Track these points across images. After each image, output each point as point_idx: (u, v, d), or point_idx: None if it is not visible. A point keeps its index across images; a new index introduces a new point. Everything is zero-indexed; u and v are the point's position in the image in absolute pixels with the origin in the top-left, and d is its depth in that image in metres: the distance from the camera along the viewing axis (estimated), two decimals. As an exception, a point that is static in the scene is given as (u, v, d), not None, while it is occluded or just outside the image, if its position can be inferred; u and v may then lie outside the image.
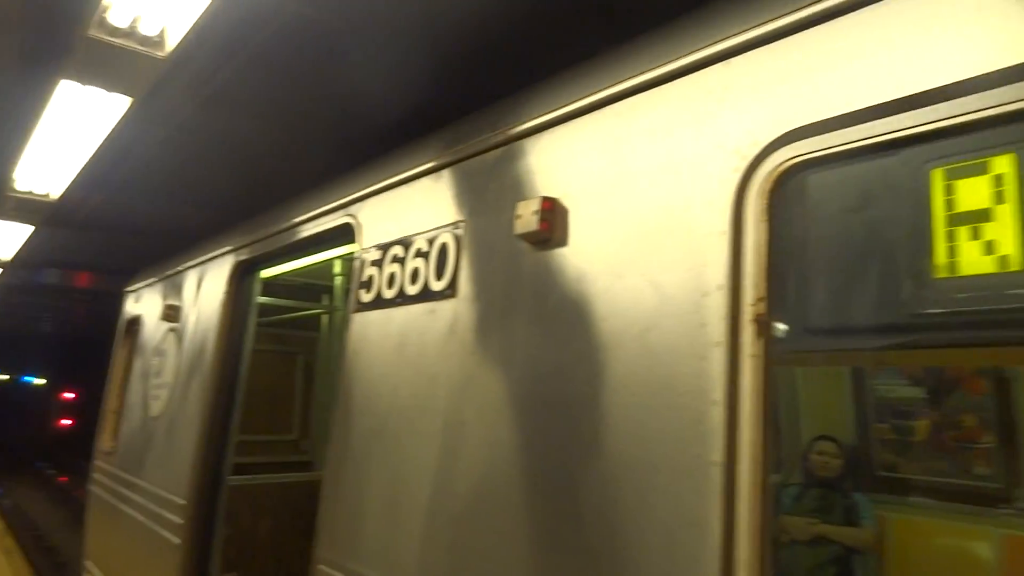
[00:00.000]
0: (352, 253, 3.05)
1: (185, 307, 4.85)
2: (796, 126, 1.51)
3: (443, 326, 2.37)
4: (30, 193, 4.86)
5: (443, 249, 2.45)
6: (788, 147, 1.52)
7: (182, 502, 4.06)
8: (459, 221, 2.42)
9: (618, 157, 1.92)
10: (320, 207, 3.39)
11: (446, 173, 2.55)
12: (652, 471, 1.61)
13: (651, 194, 1.78)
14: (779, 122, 1.54)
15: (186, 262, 5.00)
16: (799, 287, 2.03)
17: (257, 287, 4.30)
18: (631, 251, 1.79)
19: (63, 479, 22.07)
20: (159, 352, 5.10)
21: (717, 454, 1.48)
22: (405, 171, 2.79)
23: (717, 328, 1.53)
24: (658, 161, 1.79)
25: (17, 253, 7.34)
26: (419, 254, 2.57)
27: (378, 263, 2.79)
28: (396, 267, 2.68)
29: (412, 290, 2.56)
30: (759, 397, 1.45)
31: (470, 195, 2.41)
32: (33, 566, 10.97)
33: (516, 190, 2.20)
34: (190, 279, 4.87)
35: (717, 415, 1.50)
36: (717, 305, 1.55)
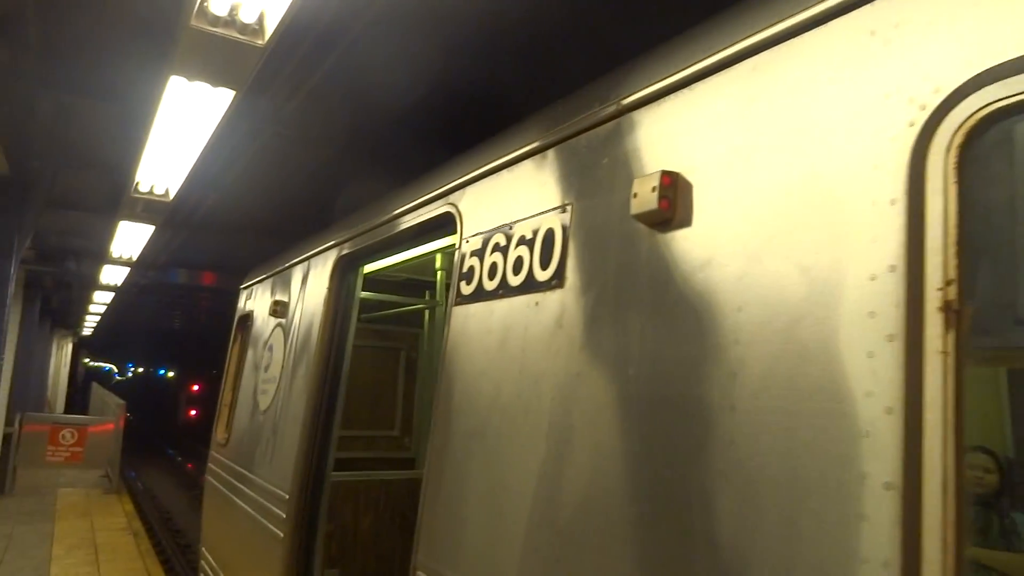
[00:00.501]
0: (452, 244, 2.91)
1: (291, 303, 4.91)
2: (993, 64, 1.20)
3: (549, 319, 2.16)
4: (150, 193, 5.07)
5: (548, 236, 2.25)
6: (983, 91, 1.21)
7: (286, 496, 4.07)
8: (566, 204, 2.21)
9: (752, 121, 1.64)
10: (419, 197, 3.28)
11: (551, 154, 2.35)
12: (801, 492, 1.34)
13: (796, 162, 1.50)
14: (970, 61, 1.23)
15: (292, 259, 5.07)
16: (1002, 266, 1.67)
17: (359, 282, 4.27)
18: (771, 229, 1.52)
19: (190, 465, 23.63)
20: (268, 347, 5.20)
21: (891, 474, 1.19)
22: (506, 155, 2.61)
23: (890, 318, 1.24)
24: (805, 122, 1.51)
25: (142, 253, 7.79)
26: (522, 242, 2.38)
27: (479, 253, 2.63)
28: (498, 257, 2.50)
29: (515, 281, 2.37)
30: (949, 404, 1.15)
31: (578, 175, 2.19)
32: (158, 549, 11.72)
33: (631, 167, 1.96)
34: (296, 275, 4.93)
35: (891, 426, 1.21)
36: (889, 290, 1.26)
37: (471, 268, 2.66)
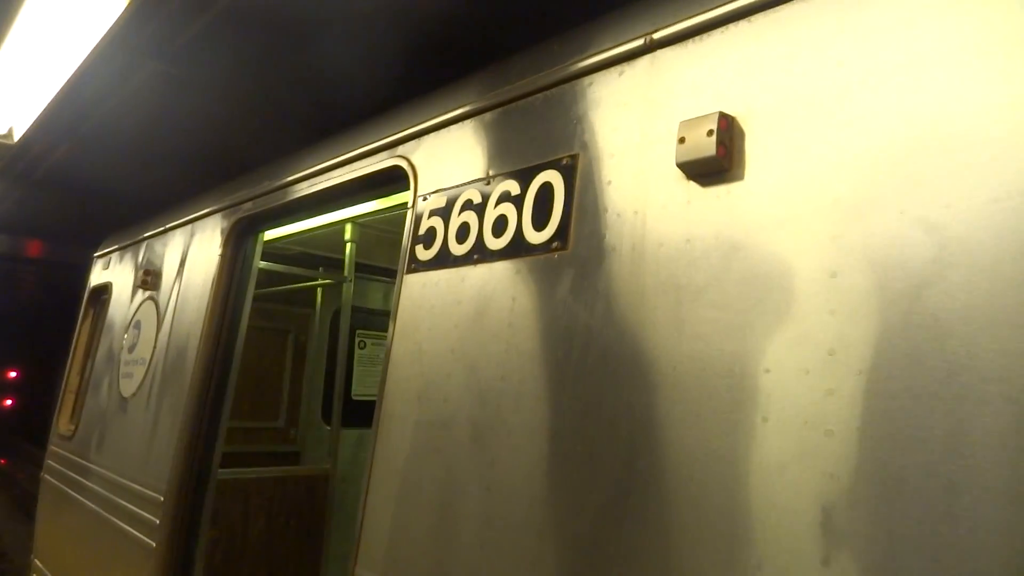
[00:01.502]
0: (399, 205, 2.49)
1: (167, 273, 4.20)
2: None
3: (548, 289, 1.83)
4: (-12, 130, 4.13)
5: (546, 191, 1.91)
6: None
7: (160, 498, 3.43)
8: (569, 155, 1.88)
9: (845, 53, 1.40)
10: (353, 149, 2.81)
11: (548, 97, 2.01)
12: (940, 494, 1.10)
13: (904, 99, 1.28)
14: None
15: (171, 221, 4.35)
16: None
17: (258, 250, 3.69)
18: (875, 179, 1.28)
19: (2, 461, 20.86)
20: (133, 324, 4.43)
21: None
22: (482, 100, 2.24)
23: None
24: (923, 48, 1.28)
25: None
26: (507, 198, 2.02)
27: (442, 213, 2.24)
28: (470, 216, 2.13)
29: (496, 243, 2.01)
30: None
31: (588, 120, 1.87)
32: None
33: (670, 109, 1.67)
34: (175, 241, 4.22)
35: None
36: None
37: (430, 230, 2.27)
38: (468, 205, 2.15)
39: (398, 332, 2.27)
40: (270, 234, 3.77)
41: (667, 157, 1.62)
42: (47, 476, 5.22)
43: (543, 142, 1.98)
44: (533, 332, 1.83)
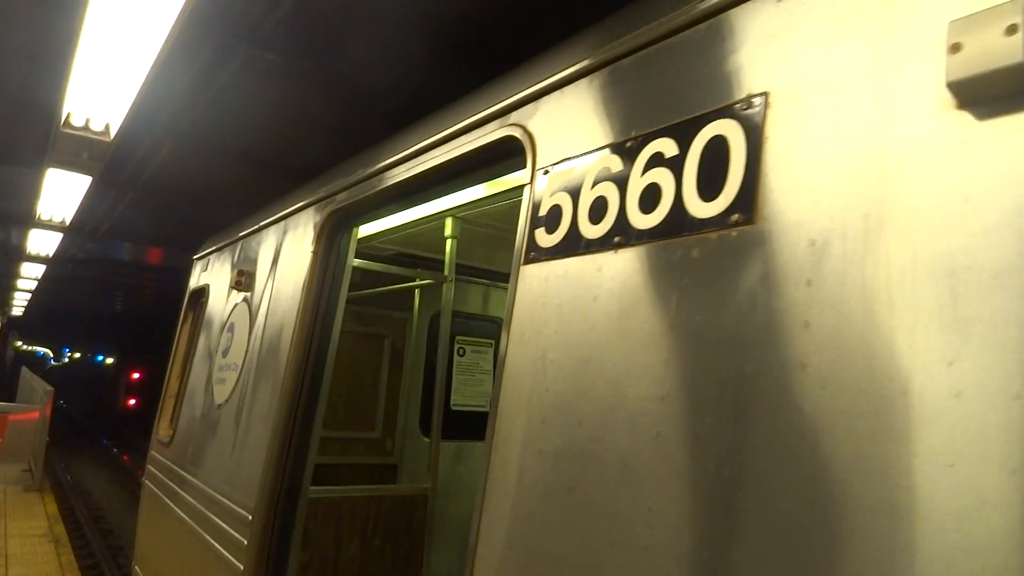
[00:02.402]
0: (508, 191, 2.06)
1: (260, 273, 3.96)
2: None
3: (725, 278, 1.33)
4: (85, 129, 4.05)
5: (717, 148, 1.42)
6: None
7: (248, 516, 3.15)
8: (754, 96, 1.38)
9: None
10: (455, 123, 2.41)
11: (724, 20, 1.51)
12: None
13: None
14: None
15: (264, 219, 4.12)
16: None
17: (352, 246, 3.37)
18: None
19: (126, 457, 22.12)
20: (227, 328, 4.24)
21: None
22: (617, 45, 1.77)
23: None
24: None
25: (77, 212, 6.65)
26: (659, 162, 1.54)
27: (570, 187, 1.78)
28: (608, 189, 1.66)
29: (646, 221, 1.53)
30: None
31: (785, 43, 1.36)
32: (84, 553, 10.47)
33: (926, 5, 1.14)
34: (268, 239, 3.98)
35: None
36: None
37: (554, 210, 1.82)
38: (605, 175, 1.69)
39: (514, 337, 1.83)
40: (365, 231, 3.44)
41: (923, 79, 1.10)
42: (147, 482, 5.14)
43: (708, 86, 1.48)
44: (706, 338, 1.34)
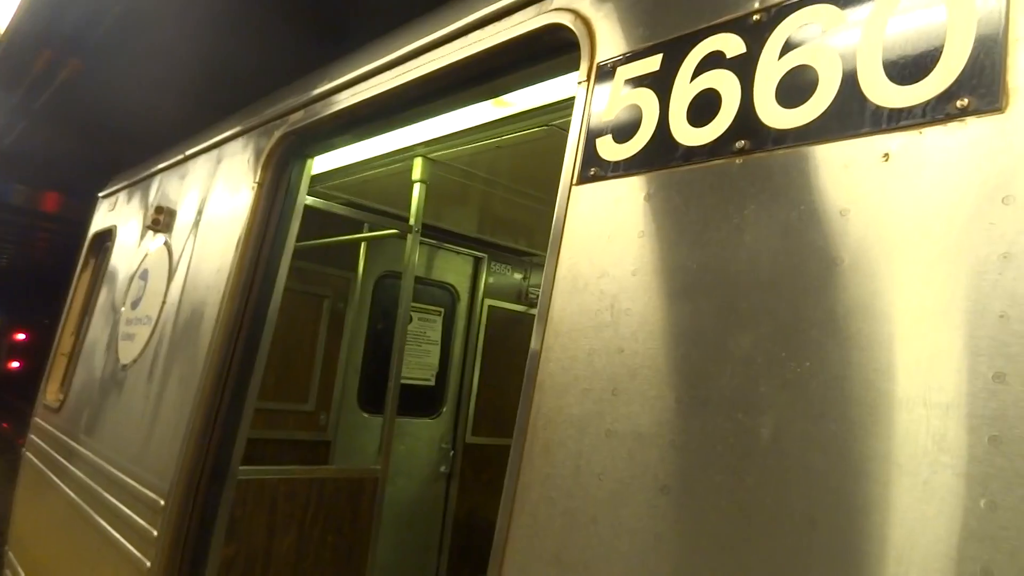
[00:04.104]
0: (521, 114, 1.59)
1: (185, 211, 3.31)
2: None
3: (950, 194, 0.90)
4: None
5: (928, 8, 0.99)
6: None
7: (159, 500, 2.56)
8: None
9: None
10: (466, 15, 1.89)
11: None
12: None
13: None
14: None
15: (191, 148, 3.45)
16: None
17: (305, 181, 2.79)
18: None
19: (5, 425, 20.31)
20: (139, 275, 3.55)
21: None
22: None
23: None
24: None
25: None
26: (809, 36, 1.10)
27: (655, 81, 1.32)
28: (721, 79, 1.21)
29: (790, 117, 1.09)
30: None
31: None
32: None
33: None
34: (196, 171, 3.33)
35: None
36: None
37: (628, 112, 1.35)
38: (714, 62, 1.23)
39: (564, 280, 1.36)
40: (316, 170, 2.86)
41: None
42: (29, 454, 4.37)
43: None
44: (915, 285, 0.91)
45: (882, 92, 1.00)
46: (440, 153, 3.18)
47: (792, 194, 1.06)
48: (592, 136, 1.41)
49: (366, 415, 4.62)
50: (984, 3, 0.93)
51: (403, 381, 4.86)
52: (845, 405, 0.92)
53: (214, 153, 3.17)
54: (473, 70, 1.92)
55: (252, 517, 2.82)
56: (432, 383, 5.06)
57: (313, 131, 2.64)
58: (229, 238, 2.74)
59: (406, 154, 3.20)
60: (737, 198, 1.13)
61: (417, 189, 3.29)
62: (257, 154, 2.82)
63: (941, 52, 0.95)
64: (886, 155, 0.97)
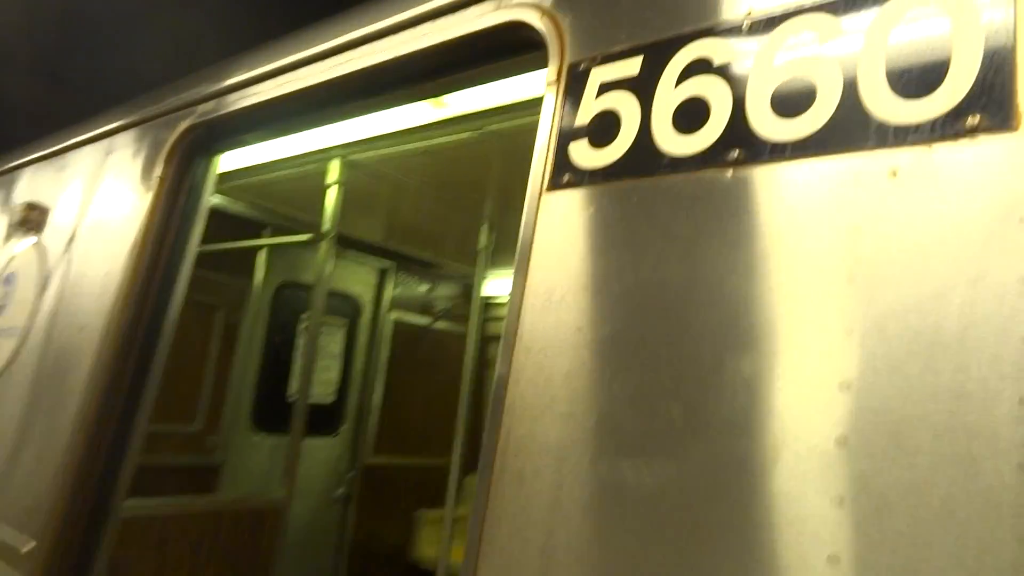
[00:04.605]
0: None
1: (63, 208, 2.94)
2: None
3: (969, 215, 0.88)
4: None
5: (931, 24, 0.97)
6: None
7: (29, 542, 2.21)
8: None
9: None
10: (411, 7, 1.77)
11: None
12: None
13: None
14: None
15: (73, 137, 3.08)
16: None
17: (211, 179, 2.54)
18: None
19: None
20: (3, 279, 3.12)
21: None
22: None
23: None
24: None
25: None
26: (807, 43, 1.07)
27: (635, 87, 1.25)
28: (707, 84, 1.16)
29: (787, 127, 1.05)
30: None
31: None
32: None
33: None
34: (79, 163, 2.97)
35: None
36: None
37: (604, 117, 1.28)
38: (702, 68, 1.18)
39: (535, 294, 1.26)
40: (239, 159, 2.63)
41: None
42: None
43: None
44: (921, 304, 0.88)
45: (887, 106, 0.97)
46: (360, 156, 3.01)
47: (793, 207, 1.02)
48: (564, 140, 1.32)
49: (259, 436, 4.30)
50: (991, 19, 0.92)
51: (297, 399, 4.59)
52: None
53: (103, 144, 2.83)
54: (418, 66, 1.79)
55: (138, 561, 2.50)
56: (332, 399, 4.80)
57: (225, 124, 2.41)
58: (121, 240, 2.44)
59: (322, 155, 3.00)
60: (732, 210, 1.07)
61: (332, 192, 3.09)
62: (157, 147, 2.54)
63: (948, 67, 0.94)
64: (894, 171, 0.95)
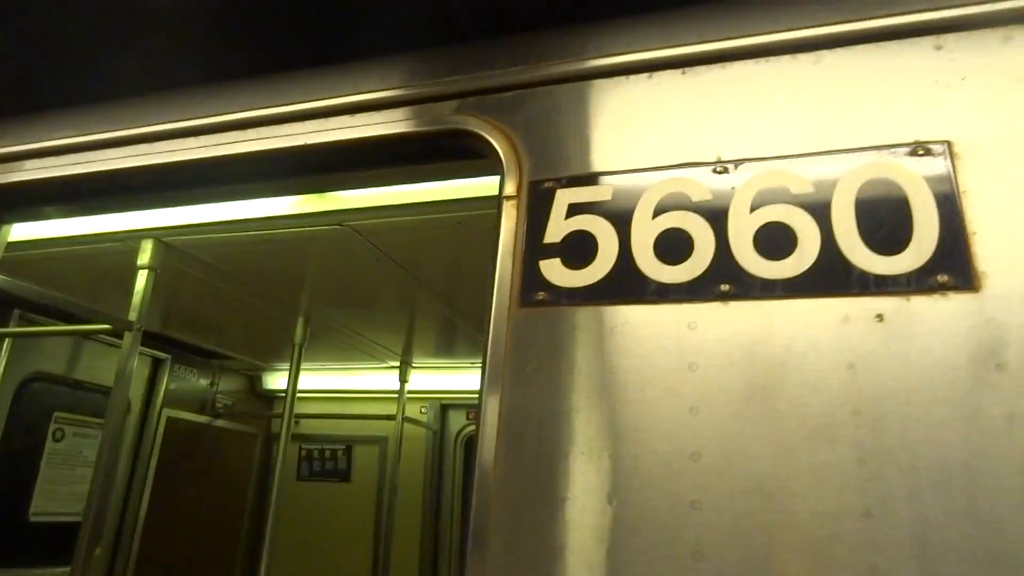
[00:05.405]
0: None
1: None
2: None
3: (947, 363, 1.02)
4: None
5: (890, 194, 1.14)
6: None
7: None
8: (935, 144, 1.15)
9: None
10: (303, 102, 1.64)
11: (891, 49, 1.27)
12: None
13: None
14: None
15: None
16: None
17: (-5, 253, 2.04)
18: None
19: None
20: None
21: None
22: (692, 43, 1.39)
23: None
24: None
25: None
26: (784, 198, 1.19)
27: (610, 213, 1.28)
28: (688, 220, 1.22)
29: (776, 268, 1.14)
30: None
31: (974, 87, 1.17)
32: None
33: None
34: None
35: None
36: None
37: (577, 239, 1.28)
38: (678, 203, 1.24)
39: (510, 424, 1.18)
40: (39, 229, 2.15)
41: None
42: None
43: (874, 122, 1.21)
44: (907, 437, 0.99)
45: (864, 259, 1.11)
46: (181, 238, 2.65)
47: (792, 344, 1.09)
48: (533, 256, 1.29)
49: (-12, 570, 3.38)
50: (940, 191, 1.11)
51: (43, 519, 3.74)
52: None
53: None
54: (324, 158, 1.65)
55: None
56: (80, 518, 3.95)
57: (27, 192, 1.97)
58: None
59: (133, 234, 2.59)
60: (730, 342, 1.12)
61: (142, 277, 2.65)
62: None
63: (911, 232, 1.10)
64: (879, 316, 1.07)
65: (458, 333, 4.50)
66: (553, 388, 1.18)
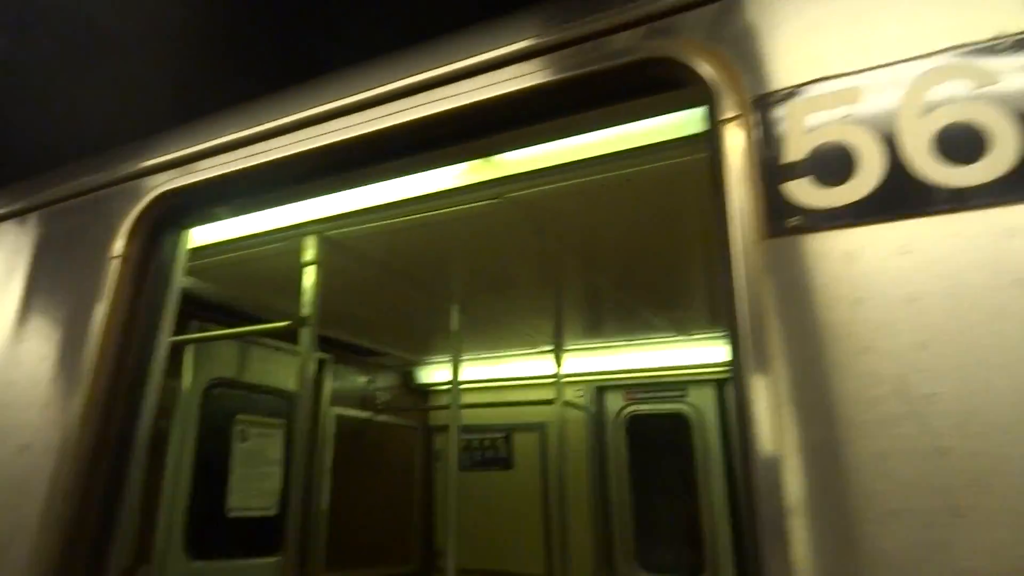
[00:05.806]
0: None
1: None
2: None
3: None
4: None
5: None
6: None
7: None
8: None
9: None
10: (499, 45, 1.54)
11: None
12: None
13: None
14: None
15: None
16: None
17: (182, 256, 2.11)
18: None
19: None
20: None
21: None
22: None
23: None
24: None
25: None
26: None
27: (864, 117, 1.08)
28: (974, 110, 1.00)
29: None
30: None
31: None
32: None
33: None
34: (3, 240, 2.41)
35: None
36: None
37: (828, 151, 1.09)
38: (950, 95, 1.02)
39: (776, 377, 1.01)
40: (217, 232, 2.22)
41: None
42: None
43: None
44: None
45: None
46: (341, 231, 2.67)
47: None
48: (773, 180, 1.11)
49: (198, 563, 3.61)
50: None
51: (239, 514, 3.96)
52: None
53: (37, 217, 2.31)
54: (495, 114, 1.55)
55: None
56: (274, 512, 4.16)
57: (199, 194, 2.02)
58: (71, 336, 1.94)
59: (297, 229, 2.63)
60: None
61: (309, 272, 2.70)
62: (112, 220, 2.09)
63: None
64: None
65: (607, 312, 4.35)
66: (834, 324, 1.00)
